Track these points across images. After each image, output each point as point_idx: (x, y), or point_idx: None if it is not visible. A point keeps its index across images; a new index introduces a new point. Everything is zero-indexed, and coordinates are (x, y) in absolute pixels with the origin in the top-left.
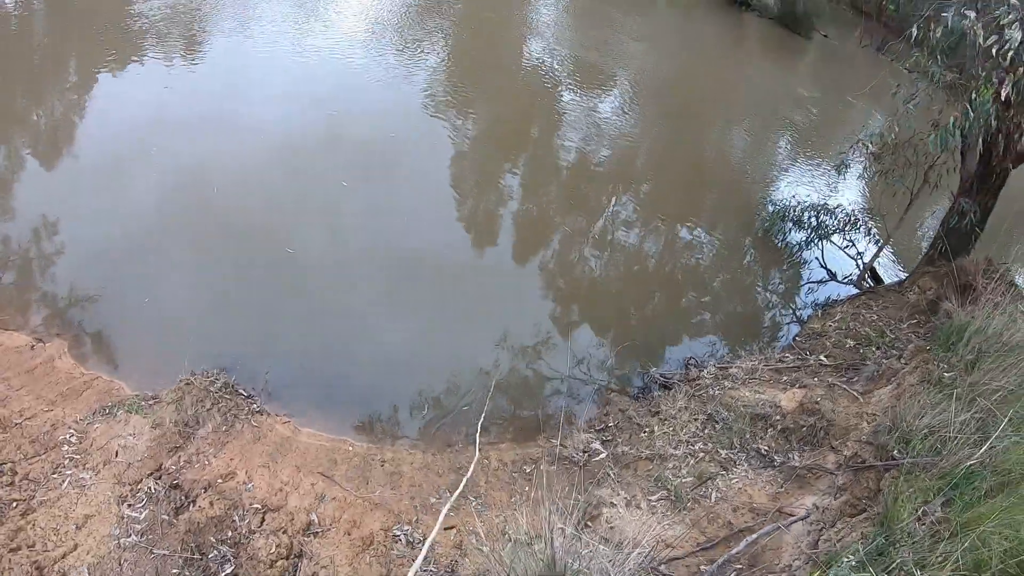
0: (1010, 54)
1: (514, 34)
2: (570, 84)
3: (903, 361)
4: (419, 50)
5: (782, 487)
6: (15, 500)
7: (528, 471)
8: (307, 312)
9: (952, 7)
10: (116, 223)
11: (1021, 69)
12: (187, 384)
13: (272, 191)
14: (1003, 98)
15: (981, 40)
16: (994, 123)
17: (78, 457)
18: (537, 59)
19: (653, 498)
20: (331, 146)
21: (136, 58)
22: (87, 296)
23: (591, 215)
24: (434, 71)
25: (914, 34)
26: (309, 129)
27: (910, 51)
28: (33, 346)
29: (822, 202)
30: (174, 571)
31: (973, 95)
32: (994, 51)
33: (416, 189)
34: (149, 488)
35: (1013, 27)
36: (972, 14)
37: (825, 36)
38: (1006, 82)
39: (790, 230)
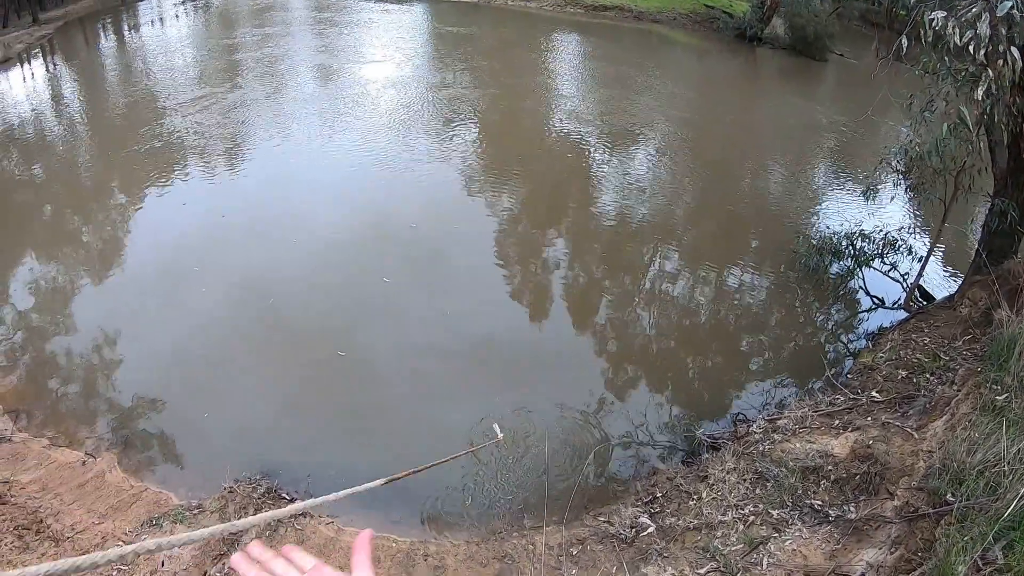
0: (982, 51)
1: (538, 109)
2: (599, 148)
3: (955, 387)
4: (450, 139)
5: (839, 543)
6: None
7: (575, 553)
8: (349, 411)
9: (928, 6)
10: (161, 334)
11: (1000, 62)
12: (230, 491)
13: (320, 294)
14: (979, 96)
15: (957, 39)
16: (998, 118)
17: (126, 568)
18: (564, 129)
19: (702, 571)
20: (373, 244)
21: (175, 175)
22: (135, 409)
23: (636, 273)
24: (467, 157)
25: (904, 42)
26: (347, 231)
27: (922, 55)
28: (84, 461)
29: (856, 229)
30: None
31: (979, 91)
32: (970, 48)
33: (457, 277)
34: None
35: (982, 21)
36: (941, 14)
37: (841, 55)
38: (982, 80)
39: (830, 262)
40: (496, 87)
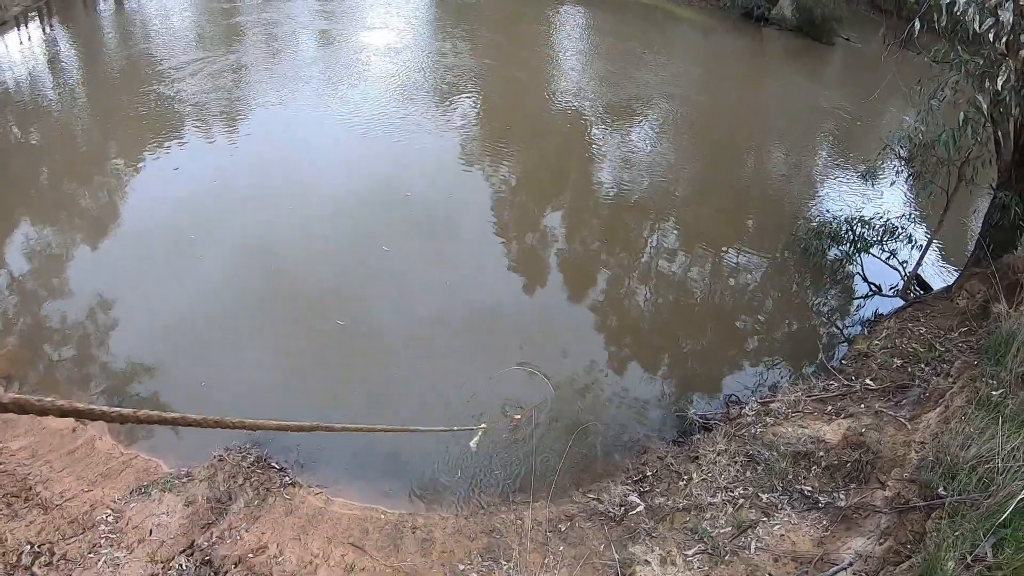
0: (1004, 39)
1: (540, 81)
2: (601, 122)
3: (951, 379)
4: (451, 108)
5: (828, 530)
6: None
7: (563, 529)
8: (344, 380)
9: None
10: (157, 301)
11: (1022, 52)
12: (220, 460)
13: (319, 261)
14: (999, 86)
15: (977, 25)
16: (1015, 109)
17: (114, 536)
18: (565, 102)
19: (689, 552)
20: (372, 212)
21: (172, 139)
22: (128, 376)
23: (634, 249)
24: (467, 126)
25: (916, 26)
26: (346, 198)
27: (931, 43)
28: (75, 428)
29: (857, 214)
30: None
31: (987, 83)
32: (990, 36)
33: (456, 247)
34: (180, 565)
35: (1006, 7)
36: None
37: (847, 40)
38: (1003, 70)
39: (829, 246)
40: (498, 57)
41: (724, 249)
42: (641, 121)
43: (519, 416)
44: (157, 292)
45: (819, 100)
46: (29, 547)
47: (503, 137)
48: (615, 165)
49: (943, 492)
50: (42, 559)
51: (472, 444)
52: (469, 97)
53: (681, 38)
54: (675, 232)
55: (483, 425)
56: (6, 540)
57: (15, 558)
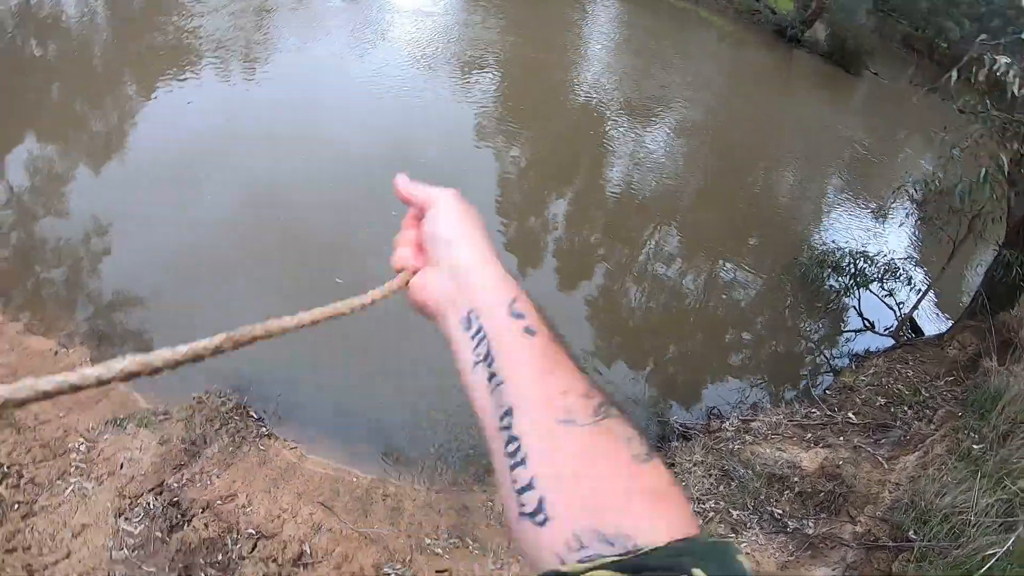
0: None
1: (564, 66)
2: (617, 117)
3: (933, 427)
4: (472, 81)
5: (793, 555)
6: (18, 502)
7: None
8: (332, 340)
9: (994, 46)
10: (167, 233)
11: None
12: (199, 402)
13: (328, 216)
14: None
15: (1016, 89)
16: None
17: (84, 466)
18: (586, 91)
19: None
20: (383, 173)
21: (194, 72)
22: (116, 305)
23: (634, 247)
24: (486, 102)
25: (954, 76)
26: (360, 155)
27: (960, 92)
28: (56, 352)
29: (862, 248)
30: None
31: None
32: None
33: None
34: (148, 503)
35: None
36: (1006, 59)
37: (875, 74)
38: None
39: (828, 276)
40: (525, 37)
41: (722, 261)
42: (657, 122)
43: None
44: (156, 225)
45: (838, 129)
46: None
47: (519, 118)
48: (626, 162)
49: (913, 536)
50: (10, 480)
51: None
52: (490, 73)
53: (710, 45)
54: (676, 237)
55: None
56: None
57: None
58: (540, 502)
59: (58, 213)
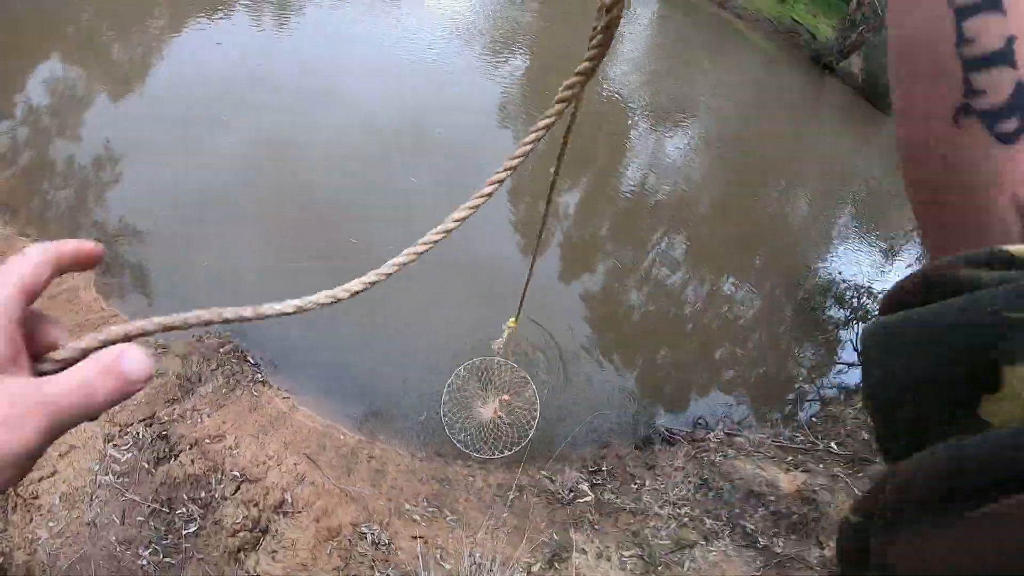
0: None
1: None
2: (638, 118)
3: None
4: (502, 61)
5: (759, 571)
6: None
7: (511, 498)
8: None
9: None
10: (179, 170)
11: None
12: (198, 341)
13: (347, 176)
14: None
15: None
16: None
17: None
18: (610, 87)
19: (626, 554)
20: (406, 141)
21: (225, 13)
22: (122, 234)
23: (639, 249)
24: (511, 84)
25: None
26: (385, 121)
27: None
28: (61, 275)
29: (867, 284)
30: (139, 518)
31: None
32: None
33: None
34: (137, 433)
35: None
36: None
37: None
38: None
39: (830, 306)
40: (562, 23)
41: (726, 276)
42: (678, 128)
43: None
44: (168, 161)
45: (858, 163)
46: None
47: (541, 104)
48: (641, 163)
49: None
50: None
51: (496, 344)
52: (520, 56)
53: (742, 60)
54: (683, 246)
55: (511, 322)
56: None
57: None
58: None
59: (72, 136)
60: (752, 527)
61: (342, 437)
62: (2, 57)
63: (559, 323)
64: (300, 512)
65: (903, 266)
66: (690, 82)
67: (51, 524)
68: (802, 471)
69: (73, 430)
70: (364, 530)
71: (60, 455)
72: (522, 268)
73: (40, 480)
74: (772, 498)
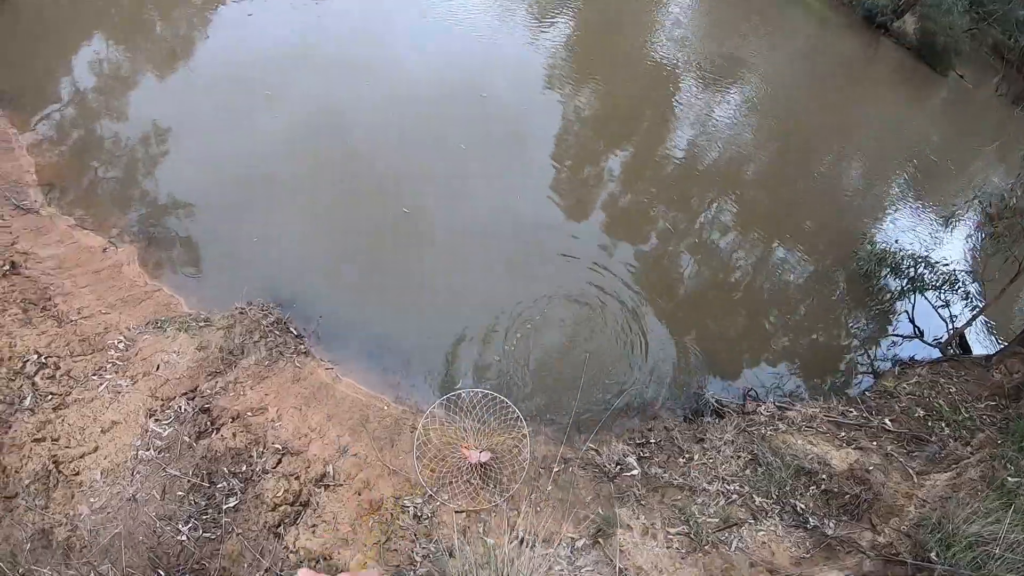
0: None
1: (640, 20)
2: (688, 80)
3: (969, 449)
4: (546, 26)
5: (808, 553)
6: (52, 393)
7: (556, 471)
8: (380, 267)
9: None
10: (224, 144)
11: None
12: (241, 312)
13: (396, 143)
14: None
15: None
16: None
17: (120, 364)
18: (659, 49)
19: (672, 531)
20: (453, 109)
21: None
22: (168, 209)
23: (688, 214)
24: (557, 49)
25: None
26: (433, 88)
27: None
28: (106, 248)
29: (924, 253)
30: (179, 493)
31: None
32: None
33: (524, 159)
34: (179, 407)
35: None
36: None
37: (961, 77)
38: None
39: (886, 275)
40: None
41: (776, 242)
42: (729, 91)
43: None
44: (213, 134)
45: (912, 127)
46: (36, 356)
47: (588, 69)
48: (691, 127)
49: (935, 558)
50: (46, 371)
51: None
52: (568, 20)
53: (796, 22)
54: (733, 211)
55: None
56: (15, 345)
57: (19, 364)
58: None
59: (119, 114)
60: (803, 506)
61: (385, 408)
62: (48, 39)
63: (609, 284)
64: (342, 485)
65: (963, 236)
66: (741, 43)
67: (92, 500)
68: (855, 448)
69: (116, 404)
70: (407, 503)
71: (103, 431)
72: (564, 243)
73: (82, 457)
74: (823, 476)
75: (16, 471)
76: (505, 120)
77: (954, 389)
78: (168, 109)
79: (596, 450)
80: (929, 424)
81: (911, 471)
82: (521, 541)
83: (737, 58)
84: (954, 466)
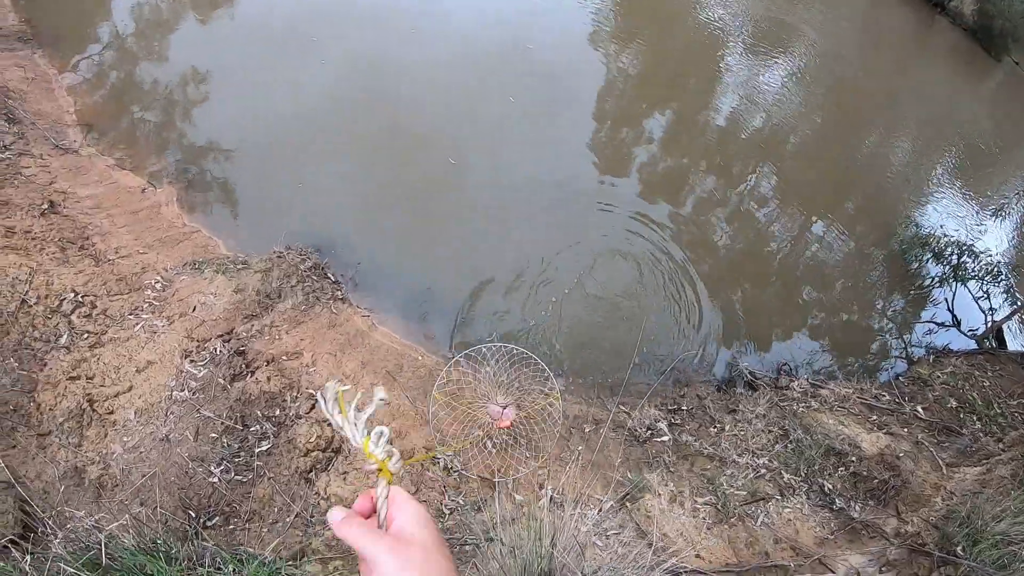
0: None
1: None
2: (735, 44)
3: (1001, 446)
4: None
5: (832, 534)
6: (88, 332)
7: (587, 431)
8: (423, 217)
9: None
10: (267, 89)
11: None
12: (279, 256)
13: (443, 97)
14: None
15: None
16: None
17: (157, 304)
18: (706, 11)
19: (700, 500)
20: (499, 64)
21: None
22: (208, 152)
23: (728, 181)
24: (603, 8)
25: None
26: (480, 43)
27: None
28: (144, 189)
29: (969, 242)
30: (212, 435)
31: None
32: None
33: (570, 118)
34: (215, 349)
35: None
36: None
37: (1016, 64)
38: None
39: (927, 260)
40: None
41: (815, 217)
42: (777, 59)
43: None
44: (255, 82)
45: (963, 110)
46: (73, 295)
47: (634, 30)
48: (736, 93)
49: (961, 552)
50: (82, 310)
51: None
52: None
53: None
54: (773, 180)
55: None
56: (52, 283)
57: (56, 303)
58: None
59: (159, 58)
60: (830, 487)
61: (420, 358)
62: None
63: (642, 247)
64: None
65: (1011, 228)
66: (792, 14)
67: (125, 439)
68: (886, 433)
69: (152, 344)
70: (438, 455)
71: (137, 370)
72: (600, 195)
73: (117, 396)
74: (853, 459)
75: (51, 408)
76: (551, 76)
77: (988, 383)
78: (209, 54)
79: (628, 413)
80: (961, 416)
81: (941, 462)
82: (551, 500)
83: (785, 23)
84: (984, 461)
